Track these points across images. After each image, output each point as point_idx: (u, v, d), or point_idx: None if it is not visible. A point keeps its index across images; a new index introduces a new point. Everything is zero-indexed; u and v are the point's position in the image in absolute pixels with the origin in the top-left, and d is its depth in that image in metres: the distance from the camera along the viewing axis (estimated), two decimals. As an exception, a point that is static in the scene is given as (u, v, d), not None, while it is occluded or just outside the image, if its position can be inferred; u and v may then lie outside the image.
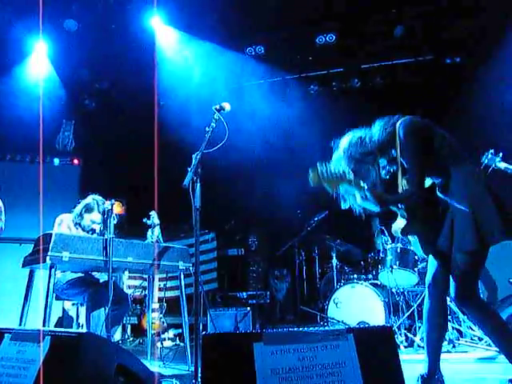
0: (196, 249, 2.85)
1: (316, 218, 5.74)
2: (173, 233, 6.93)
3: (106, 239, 3.48)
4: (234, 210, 7.68)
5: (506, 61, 5.66)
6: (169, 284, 5.44)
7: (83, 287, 3.93)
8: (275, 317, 7.29)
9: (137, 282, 6.30)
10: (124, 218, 6.77)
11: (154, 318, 5.05)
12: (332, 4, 6.10)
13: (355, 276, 5.38)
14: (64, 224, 3.99)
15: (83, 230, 4.04)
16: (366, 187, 2.49)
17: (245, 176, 7.13)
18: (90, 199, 4.08)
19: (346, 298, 5.00)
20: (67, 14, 6.12)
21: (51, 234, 3.29)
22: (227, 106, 3.03)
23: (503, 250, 4.48)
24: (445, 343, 4.06)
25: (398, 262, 4.86)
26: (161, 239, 4.24)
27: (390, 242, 5.15)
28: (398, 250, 4.94)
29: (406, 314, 4.69)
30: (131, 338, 5.76)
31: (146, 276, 5.18)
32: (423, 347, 2.75)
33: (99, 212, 3.99)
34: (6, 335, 2.10)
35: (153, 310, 5.05)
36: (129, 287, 6.21)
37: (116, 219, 3.67)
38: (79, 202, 4.13)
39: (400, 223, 2.76)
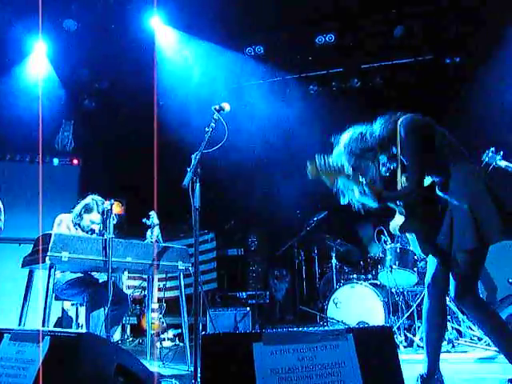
0: (195, 249, 2.85)
1: (315, 218, 5.74)
2: (172, 233, 6.92)
3: (106, 239, 3.48)
4: (233, 210, 7.68)
5: (506, 61, 5.66)
6: (168, 284, 5.45)
7: (83, 287, 3.93)
8: (275, 317, 7.29)
9: (136, 282, 6.30)
10: (123, 218, 6.78)
11: (153, 318, 5.05)
12: (332, 4, 6.10)
13: (355, 276, 5.37)
14: (63, 224, 3.99)
15: (82, 230, 4.04)
16: (364, 182, 2.49)
17: (245, 176, 7.12)
18: (90, 199, 4.08)
19: (345, 298, 5.00)
20: (67, 13, 6.12)
21: (51, 234, 3.30)
22: (227, 106, 3.03)
23: (503, 250, 4.49)
24: (444, 343, 4.06)
25: (397, 262, 4.85)
26: (160, 239, 4.24)
27: (390, 241, 5.15)
28: (398, 250, 4.94)
29: (406, 314, 4.69)
30: (131, 338, 5.75)
31: (145, 276, 5.18)
32: (423, 347, 2.76)
33: (98, 212, 3.99)
34: (5, 335, 2.10)
35: (152, 310, 5.05)
36: (128, 287, 6.22)
37: (115, 219, 3.66)
38: (79, 202, 4.13)
39: (398, 220, 2.75)
